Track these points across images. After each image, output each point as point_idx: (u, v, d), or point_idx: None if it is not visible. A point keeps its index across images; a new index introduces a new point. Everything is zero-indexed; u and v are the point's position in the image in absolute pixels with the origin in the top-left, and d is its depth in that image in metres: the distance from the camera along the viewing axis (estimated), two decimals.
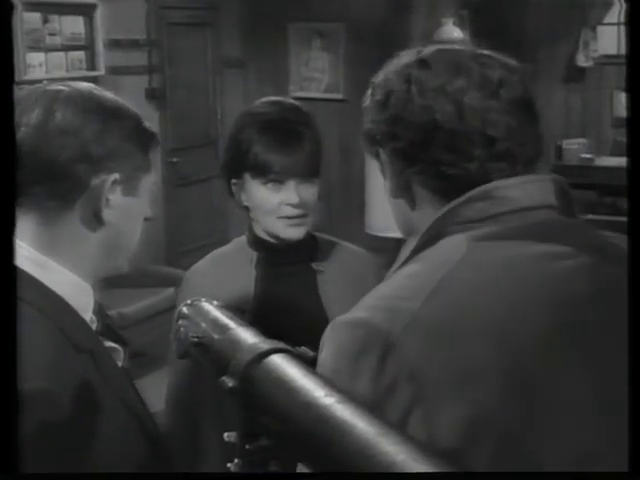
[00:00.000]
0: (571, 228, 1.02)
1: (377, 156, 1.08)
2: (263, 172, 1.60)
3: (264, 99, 1.70)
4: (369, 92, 1.09)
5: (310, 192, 1.62)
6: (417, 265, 0.97)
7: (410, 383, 0.85)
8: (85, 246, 1.13)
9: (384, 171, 1.09)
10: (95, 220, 1.12)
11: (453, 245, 0.96)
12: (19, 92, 1.12)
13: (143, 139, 1.18)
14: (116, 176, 1.12)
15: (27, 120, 1.08)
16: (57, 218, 1.11)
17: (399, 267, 1.00)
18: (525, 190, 1.00)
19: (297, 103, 1.71)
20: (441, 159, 1.00)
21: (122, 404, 1.12)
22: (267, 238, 1.66)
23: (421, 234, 1.01)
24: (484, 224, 0.97)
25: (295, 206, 1.60)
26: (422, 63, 1.04)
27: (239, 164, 1.63)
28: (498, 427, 0.84)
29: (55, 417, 0.99)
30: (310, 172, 1.62)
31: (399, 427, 0.79)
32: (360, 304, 0.95)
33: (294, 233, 1.63)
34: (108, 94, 1.18)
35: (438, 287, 0.90)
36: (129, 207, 1.16)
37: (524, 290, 0.91)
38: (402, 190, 1.05)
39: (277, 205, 1.60)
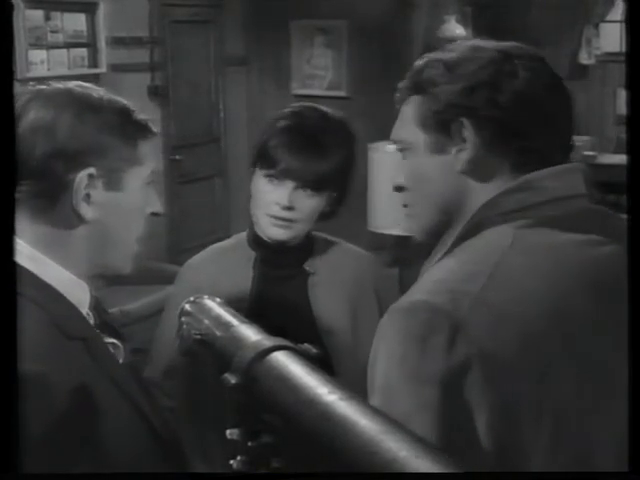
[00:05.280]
0: (600, 216, 1.09)
1: (447, 129, 1.07)
2: (268, 164, 1.60)
3: (306, 104, 1.70)
4: (432, 68, 1.09)
5: (308, 201, 1.60)
6: (466, 252, 1.02)
7: (482, 362, 0.90)
8: (72, 243, 1.12)
9: (454, 144, 1.07)
10: (76, 217, 1.11)
11: (500, 233, 1.01)
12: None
13: (129, 132, 1.15)
14: (91, 171, 1.10)
15: None
16: (43, 215, 1.10)
17: (443, 255, 1.05)
18: (561, 180, 1.06)
19: (342, 119, 1.67)
20: (536, 128, 1.07)
21: (122, 397, 1.12)
22: (264, 237, 1.66)
23: (463, 223, 1.05)
24: (523, 213, 1.02)
25: (283, 208, 1.59)
26: (518, 45, 1.12)
27: (258, 151, 1.64)
28: (560, 404, 0.91)
29: (49, 400, 0.99)
30: (315, 183, 1.59)
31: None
32: (415, 288, 1.00)
33: (277, 233, 1.62)
34: (94, 90, 1.16)
35: (495, 271, 0.95)
36: (114, 202, 1.14)
37: (569, 274, 0.98)
38: (479, 162, 1.06)
39: (269, 201, 1.60)
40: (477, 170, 1.07)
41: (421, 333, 0.93)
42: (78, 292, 1.14)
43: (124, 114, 1.15)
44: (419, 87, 1.11)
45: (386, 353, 0.95)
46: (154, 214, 1.22)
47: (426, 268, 1.09)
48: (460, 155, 1.07)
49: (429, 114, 1.09)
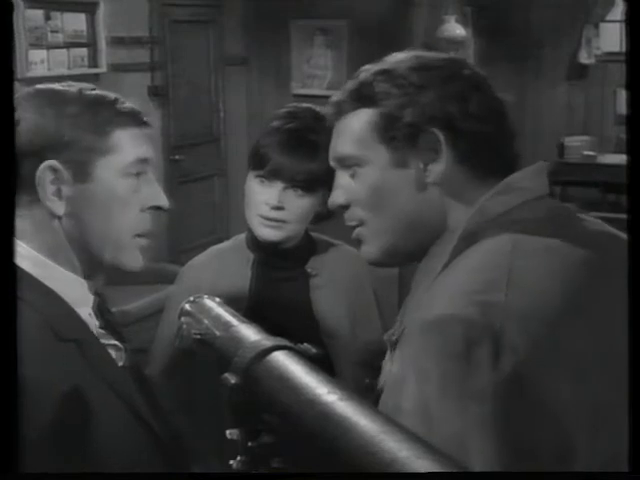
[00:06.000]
0: (569, 214, 1.09)
1: (414, 141, 1.05)
2: (257, 165, 1.61)
3: (302, 104, 1.69)
4: (397, 77, 1.07)
5: (299, 202, 1.60)
6: (470, 262, 0.99)
7: (528, 369, 0.88)
8: (55, 239, 1.12)
9: (422, 157, 1.05)
10: (48, 213, 1.10)
11: (497, 241, 1.00)
12: None
13: (99, 122, 1.12)
14: (52, 163, 1.09)
15: None
16: (31, 213, 1.10)
17: (442, 268, 1.02)
18: (537, 179, 1.07)
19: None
20: (503, 138, 1.08)
21: (118, 399, 1.11)
22: (258, 238, 1.65)
23: (460, 232, 1.03)
24: (511, 216, 1.02)
25: (272, 208, 1.59)
26: (457, 57, 1.13)
27: (251, 152, 1.64)
28: (601, 401, 0.90)
29: (39, 404, 0.98)
30: (306, 183, 1.59)
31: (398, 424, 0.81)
32: (431, 303, 0.96)
33: (268, 234, 1.61)
34: (71, 86, 1.15)
35: (510, 277, 0.94)
36: (86, 194, 1.11)
37: (574, 271, 0.98)
38: (450, 173, 1.05)
39: (259, 202, 1.60)
40: (451, 181, 1.05)
41: (459, 349, 0.89)
42: (77, 290, 1.13)
43: (97, 104, 1.13)
44: (369, 100, 1.07)
45: (417, 374, 0.91)
46: (157, 208, 1.20)
47: (422, 278, 1.07)
48: (431, 167, 1.05)
49: (390, 126, 1.05)
